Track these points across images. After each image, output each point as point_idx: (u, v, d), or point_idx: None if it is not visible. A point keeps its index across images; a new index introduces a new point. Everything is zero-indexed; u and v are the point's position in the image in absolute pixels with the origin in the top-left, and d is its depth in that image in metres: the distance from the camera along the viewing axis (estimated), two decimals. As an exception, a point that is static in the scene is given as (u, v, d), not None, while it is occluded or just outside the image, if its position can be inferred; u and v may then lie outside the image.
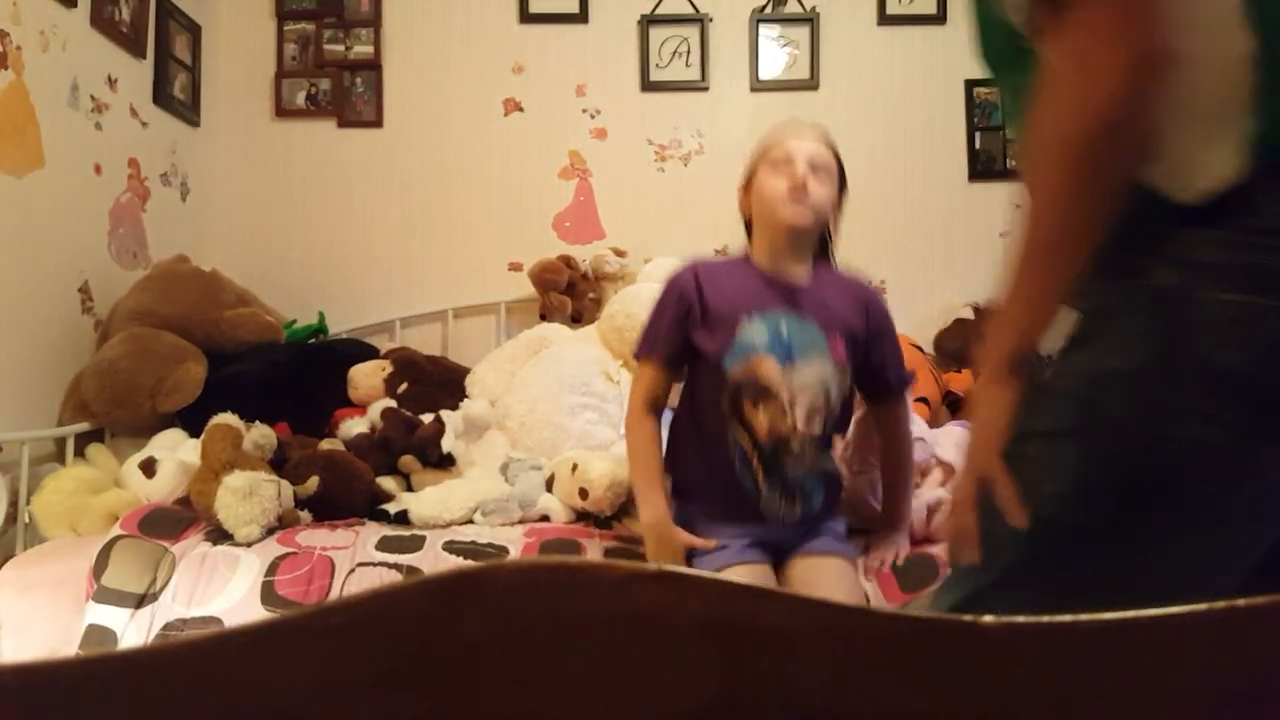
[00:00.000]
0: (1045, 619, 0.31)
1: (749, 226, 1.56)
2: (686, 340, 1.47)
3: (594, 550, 1.70)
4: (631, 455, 1.50)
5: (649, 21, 2.91)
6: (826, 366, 1.45)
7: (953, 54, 2.94)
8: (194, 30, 2.74)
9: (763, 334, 1.44)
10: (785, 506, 1.46)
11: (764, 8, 2.94)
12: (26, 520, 1.85)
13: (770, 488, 1.45)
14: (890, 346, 1.56)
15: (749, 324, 1.45)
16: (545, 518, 1.88)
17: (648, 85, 2.92)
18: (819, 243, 1.56)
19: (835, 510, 1.57)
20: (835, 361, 1.46)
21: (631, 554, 1.67)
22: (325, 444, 2.12)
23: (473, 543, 1.71)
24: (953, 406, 2.47)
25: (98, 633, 1.57)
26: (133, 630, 1.57)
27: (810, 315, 1.47)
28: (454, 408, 2.25)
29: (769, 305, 1.46)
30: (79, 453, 2.05)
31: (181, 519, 1.75)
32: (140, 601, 1.59)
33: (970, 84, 2.93)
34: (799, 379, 1.43)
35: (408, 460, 2.07)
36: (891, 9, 2.93)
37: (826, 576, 1.46)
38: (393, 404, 2.23)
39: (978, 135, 2.92)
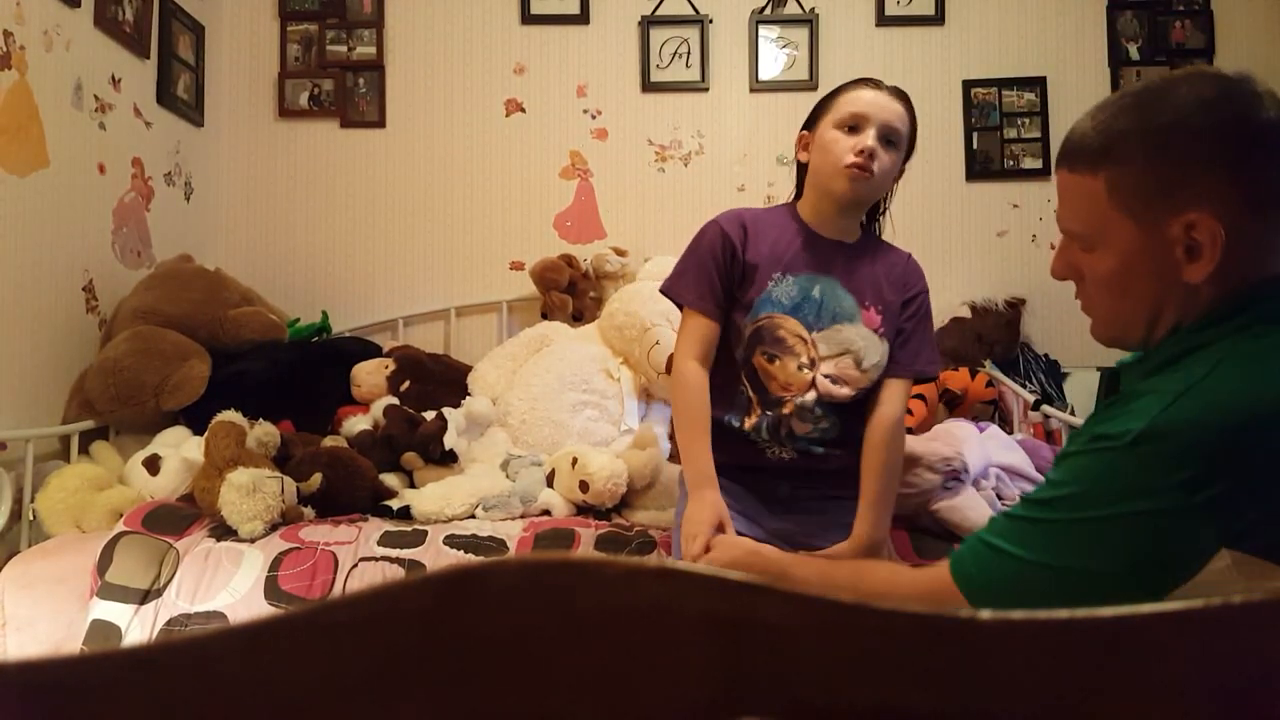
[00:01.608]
0: (1043, 615, 0.31)
1: (801, 171, 1.47)
2: (726, 288, 1.40)
3: (588, 539, 1.70)
4: (680, 408, 1.38)
5: (649, 23, 2.91)
6: (858, 333, 1.39)
7: (951, 55, 2.94)
8: (197, 30, 2.75)
9: (793, 294, 1.39)
10: (779, 450, 1.41)
11: (763, 9, 2.94)
12: (31, 517, 1.85)
13: (758, 432, 1.40)
14: (919, 330, 1.44)
15: (781, 282, 1.39)
16: (546, 512, 1.89)
17: (648, 86, 2.93)
18: (871, 207, 1.48)
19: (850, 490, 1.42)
20: (870, 329, 1.39)
21: (624, 541, 1.68)
22: (328, 441, 2.12)
23: (473, 536, 1.72)
24: (950, 404, 2.47)
25: (102, 629, 1.58)
26: (137, 626, 1.58)
27: (845, 280, 1.40)
28: (456, 405, 2.25)
29: (804, 267, 1.40)
30: (83, 450, 2.06)
31: (185, 515, 1.76)
32: (144, 597, 1.60)
33: (968, 84, 2.93)
34: (827, 343, 1.38)
35: (410, 457, 2.08)
36: (890, 10, 2.93)
37: None
38: (395, 401, 2.24)
39: (975, 135, 2.93)
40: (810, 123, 1.43)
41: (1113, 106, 0.80)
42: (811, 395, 1.39)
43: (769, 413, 1.40)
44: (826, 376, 1.38)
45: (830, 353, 1.38)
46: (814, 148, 1.40)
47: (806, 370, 1.38)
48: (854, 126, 1.35)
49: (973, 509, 1.69)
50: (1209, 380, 0.70)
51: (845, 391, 1.38)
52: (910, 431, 2.19)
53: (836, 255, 1.42)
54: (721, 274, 1.39)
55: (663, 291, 1.45)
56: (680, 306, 1.44)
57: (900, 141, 1.37)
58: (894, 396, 1.41)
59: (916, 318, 1.44)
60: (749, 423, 1.41)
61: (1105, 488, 0.71)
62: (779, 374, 1.39)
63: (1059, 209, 0.85)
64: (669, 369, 1.46)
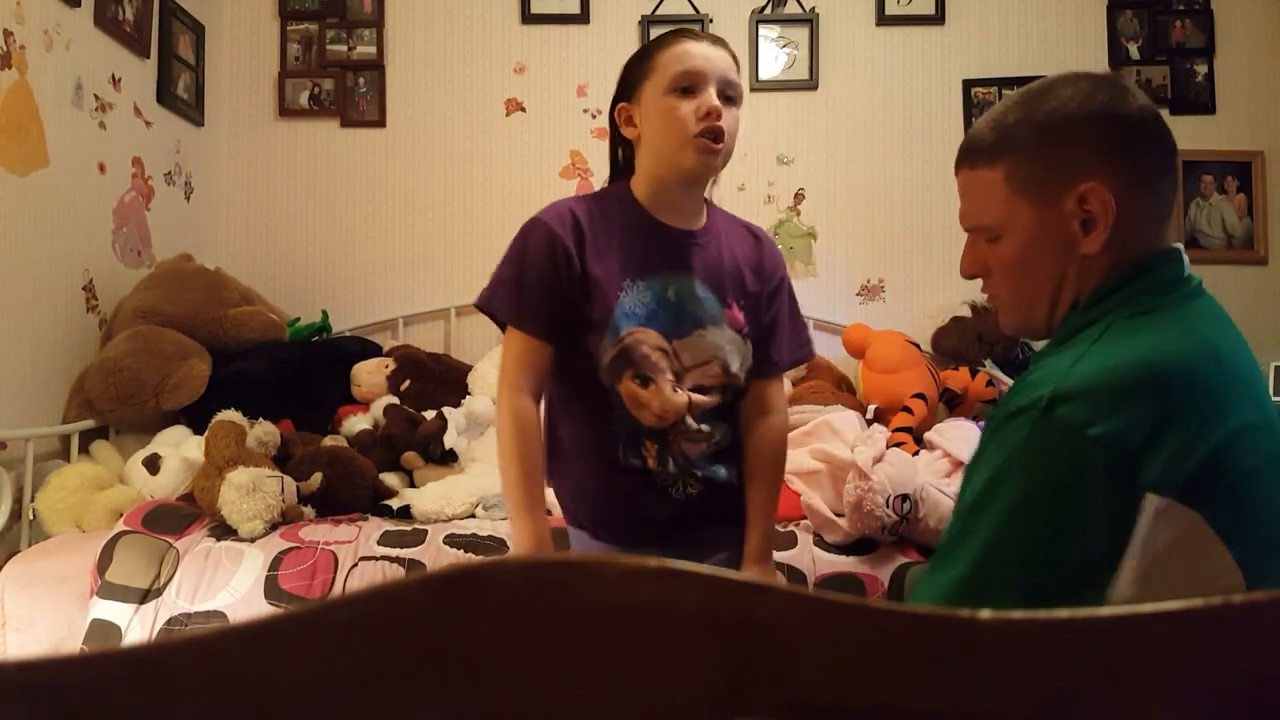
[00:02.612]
0: (1043, 614, 0.31)
1: (624, 150, 1.24)
2: (563, 304, 1.15)
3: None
4: (507, 447, 1.15)
5: (649, 22, 2.91)
6: (723, 336, 1.19)
7: (951, 54, 2.95)
8: (198, 30, 2.75)
9: (646, 302, 1.16)
10: (685, 484, 1.19)
11: (763, 8, 2.94)
12: (31, 517, 1.85)
13: (663, 469, 1.18)
14: (784, 309, 1.27)
15: (631, 289, 1.16)
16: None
17: (650, 84, 2.93)
18: None
19: (736, 508, 1.26)
20: (733, 329, 1.20)
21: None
22: (328, 441, 2.13)
23: (473, 535, 1.72)
24: (950, 404, 2.47)
25: (102, 628, 1.58)
26: (137, 625, 1.58)
27: (703, 276, 1.19)
28: (456, 405, 2.25)
29: (655, 267, 1.17)
30: (83, 450, 2.06)
31: (185, 515, 1.76)
32: (144, 597, 1.60)
33: (968, 84, 2.93)
34: (690, 352, 1.17)
35: (410, 456, 2.08)
36: (890, 9, 2.93)
37: None
38: (395, 401, 2.24)
39: (978, 134, 2.93)
40: (626, 92, 1.20)
41: (1001, 107, 0.86)
42: (694, 412, 1.19)
43: (658, 442, 1.18)
44: (694, 389, 1.18)
45: (694, 362, 1.18)
46: (643, 119, 1.17)
47: (679, 391, 1.17)
48: (688, 88, 1.13)
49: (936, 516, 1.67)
50: (1098, 345, 0.76)
51: (714, 399, 1.20)
52: (910, 431, 2.20)
53: (689, 247, 1.20)
54: (553, 286, 1.14)
55: (477, 306, 1.19)
56: (500, 325, 1.18)
57: (738, 96, 1.17)
58: (777, 398, 1.28)
59: (784, 305, 1.27)
60: (651, 460, 1.18)
61: (1032, 456, 0.73)
62: (653, 401, 1.15)
63: (962, 208, 0.90)
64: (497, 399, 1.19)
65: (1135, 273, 0.81)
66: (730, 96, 1.15)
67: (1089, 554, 0.70)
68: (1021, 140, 0.83)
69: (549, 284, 1.14)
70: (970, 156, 0.87)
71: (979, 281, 0.91)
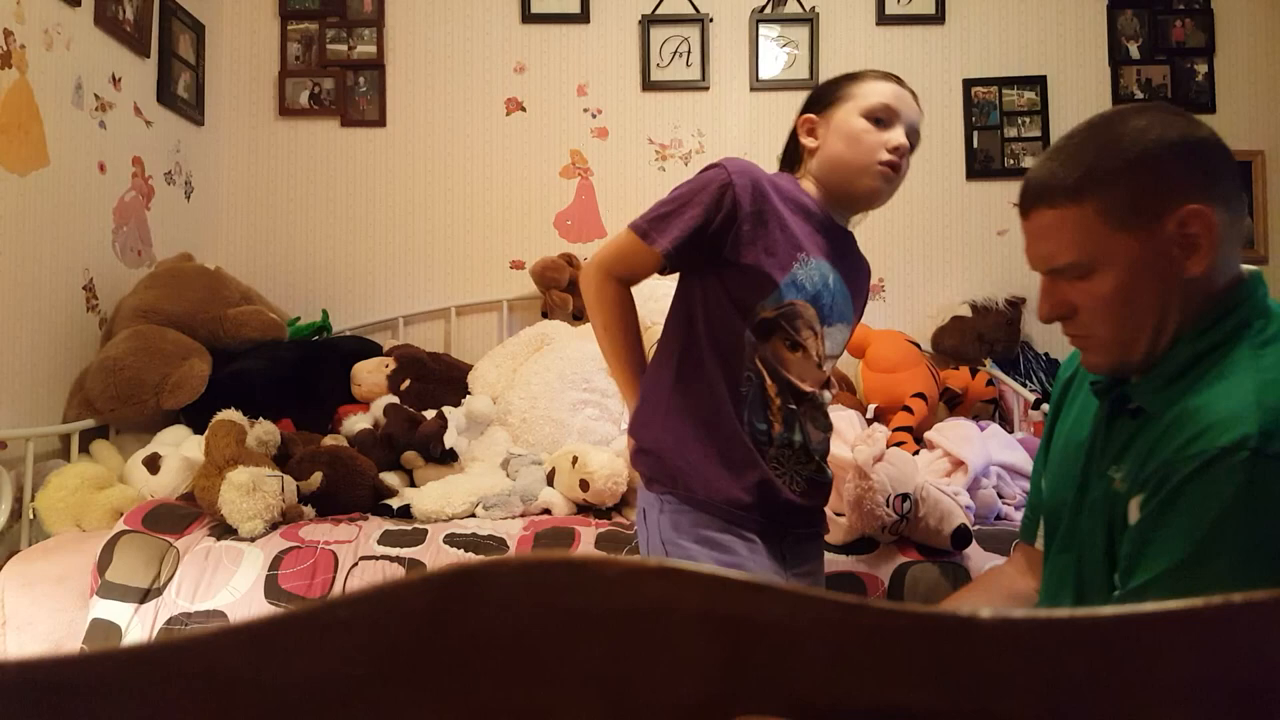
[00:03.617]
0: (1043, 614, 0.31)
1: (796, 153, 1.29)
2: (708, 250, 1.15)
3: (588, 537, 1.70)
4: (610, 319, 1.20)
5: (650, 21, 2.91)
6: (844, 337, 1.25)
7: (951, 54, 2.94)
8: (198, 29, 2.75)
9: (815, 280, 1.19)
10: (795, 476, 1.18)
11: (764, 8, 2.93)
12: (31, 516, 1.85)
13: (783, 437, 1.16)
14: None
15: (804, 265, 1.18)
16: (546, 511, 1.89)
17: (648, 85, 2.93)
18: None
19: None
20: (850, 333, 1.27)
21: (625, 540, 1.68)
22: (328, 440, 2.12)
23: (473, 534, 1.72)
24: (950, 403, 2.47)
25: (102, 627, 1.58)
26: (137, 625, 1.58)
27: (848, 278, 1.25)
28: (456, 404, 2.25)
29: (820, 251, 1.21)
30: (83, 449, 2.06)
31: (185, 514, 1.76)
32: (144, 596, 1.60)
33: (968, 83, 2.93)
34: (830, 341, 1.21)
35: (410, 456, 2.08)
36: (890, 9, 2.93)
37: None
38: (395, 400, 2.24)
39: (975, 134, 2.93)
40: (816, 106, 1.26)
41: (1069, 147, 0.86)
42: (826, 393, 1.22)
43: (790, 407, 1.17)
44: (825, 379, 1.22)
45: (829, 353, 1.21)
46: (830, 134, 1.22)
47: (818, 368, 1.20)
48: (883, 120, 1.20)
49: (937, 516, 1.66)
50: (1257, 375, 0.74)
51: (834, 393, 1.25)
52: (910, 430, 2.20)
53: (844, 245, 1.27)
54: (702, 227, 1.14)
55: (633, 227, 1.17)
56: (643, 239, 1.16)
57: (917, 145, 1.26)
58: None
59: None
60: (778, 423, 1.16)
61: (1257, 499, 0.70)
62: (797, 366, 1.17)
63: (1040, 248, 0.87)
64: (582, 279, 1.23)
65: (1240, 297, 0.81)
66: (913, 144, 1.24)
67: None
68: (1110, 172, 0.82)
69: (699, 221, 1.14)
70: (1048, 197, 0.85)
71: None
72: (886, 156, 1.19)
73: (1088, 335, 0.87)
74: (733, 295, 1.16)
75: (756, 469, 1.15)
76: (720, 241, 1.14)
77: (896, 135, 1.20)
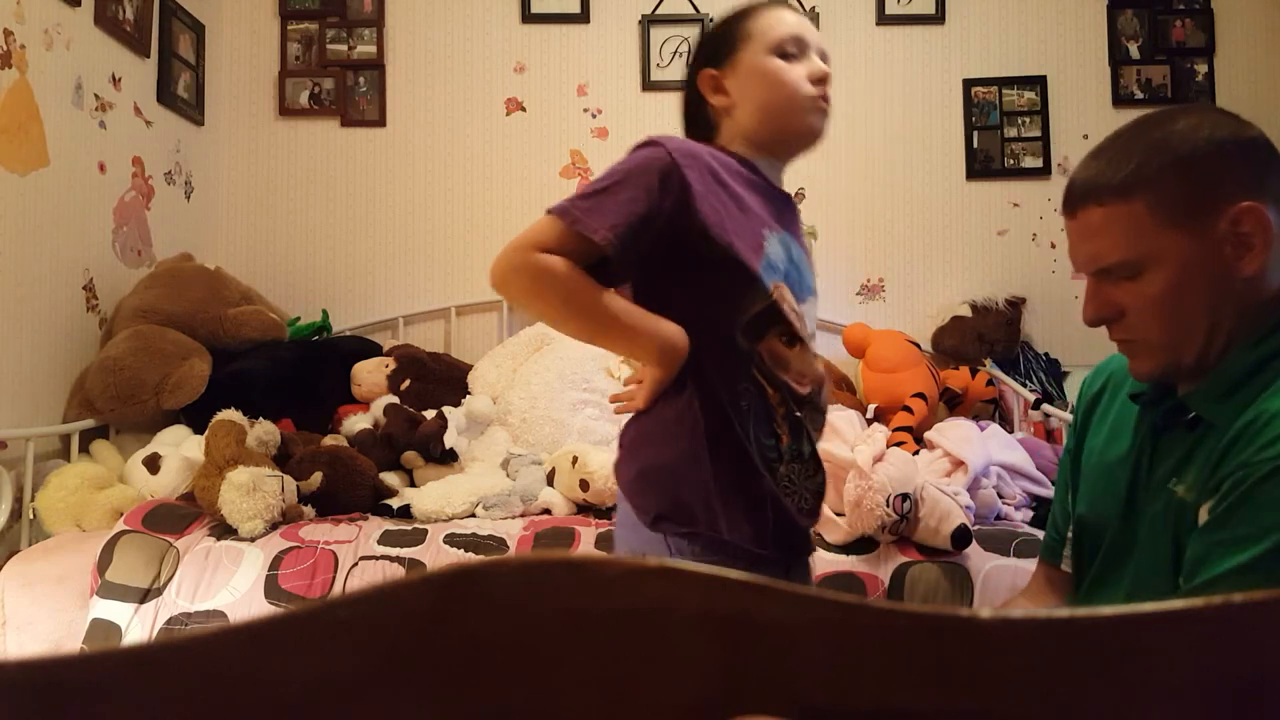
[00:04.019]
0: (1043, 614, 0.31)
1: (703, 119, 1.11)
2: (663, 249, 0.95)
3: (588, 537, 1.70)
4: (570, 292, 0.93)
5: (650, 21, 2.91)
6: (815, 315, 1.10)
7: (951, 54, 2.94)
8: (198, 29, 2.75)
9: (783, 257, 1.04)
10: (802, 479, 1.04)
11: (766, 6, 2.93)
12: (31, 516, 1.85)
13: (792, 449, 1.03)
14: None
15: (771, 241, 1.03)
16: (547, 511, 1.89)
17: (648, 85, 2.93)
18: None
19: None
20: (816, 314, 1.12)
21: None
22: (328, 440, 2.13)
23: (473, 534, 1.72)
24: (950, 403, 2.47)
25: (102, 627, 1.58)
26: (137, 625, 1.58)
27: (800, 243, 1.10)
28: (456, 404, 2.25)
29: (779, 222, 1.06)
30: (83, 449, 2.06)
31: (185, 514, 1.76)
32: (144, 596, 1.60)
33: (968, 83, 2.93)
34: (809, 324, 1.07)
35: (410, 456, 2.08)
36: (890, 9, 2.93)
37: None
38: (395, 400, 2.24)
39: (975, 134, 2.93)
40: (717, 57, 1.08)
41: (1116, 145, 0.83)
42: (824, 392, 1.08)
43: (796, 415, 1.03)
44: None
45: (808, 333, 1.07)
46: (742, 83, 1.06)
47: (814, 360, 1.07)
48: (793, 53, 1.06)
49: (937, 517, 1.66)
50: None
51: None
52: (910, 430, 2.20)
53: (789, 209, 1.11)
54: (655, 231, 0.94)
55: (556, 211, 0.95)
56: (571, 226, 0.93)
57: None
58: None
59: None
60: (785, 436, 1.02)
61: None
62: (796, 361, 1.02)
63: (1087, 248, 0.85)
64: (507, 270, 0.94)
65: None
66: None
67: None
68: (1161, 169, 0.80)
69: (644, 210, 0.94)
70: (1097, 195, 0.83)
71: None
72: (814, 90, 1.06)
73: (1136, 339, 0.84)
74: (708, 299, 0.99)
75: (772, 497, 1.00)
76: (677, 236, 0.95)
77: (816, 63, 1.07)
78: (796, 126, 1.08)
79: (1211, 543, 0.75)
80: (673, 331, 0.96)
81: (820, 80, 1.06)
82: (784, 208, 1.10)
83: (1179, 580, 0.79)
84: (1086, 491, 0.96)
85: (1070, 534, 0.98)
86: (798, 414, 1.03)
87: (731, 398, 0.98)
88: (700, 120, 1.11)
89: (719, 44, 1.09)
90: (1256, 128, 0.82)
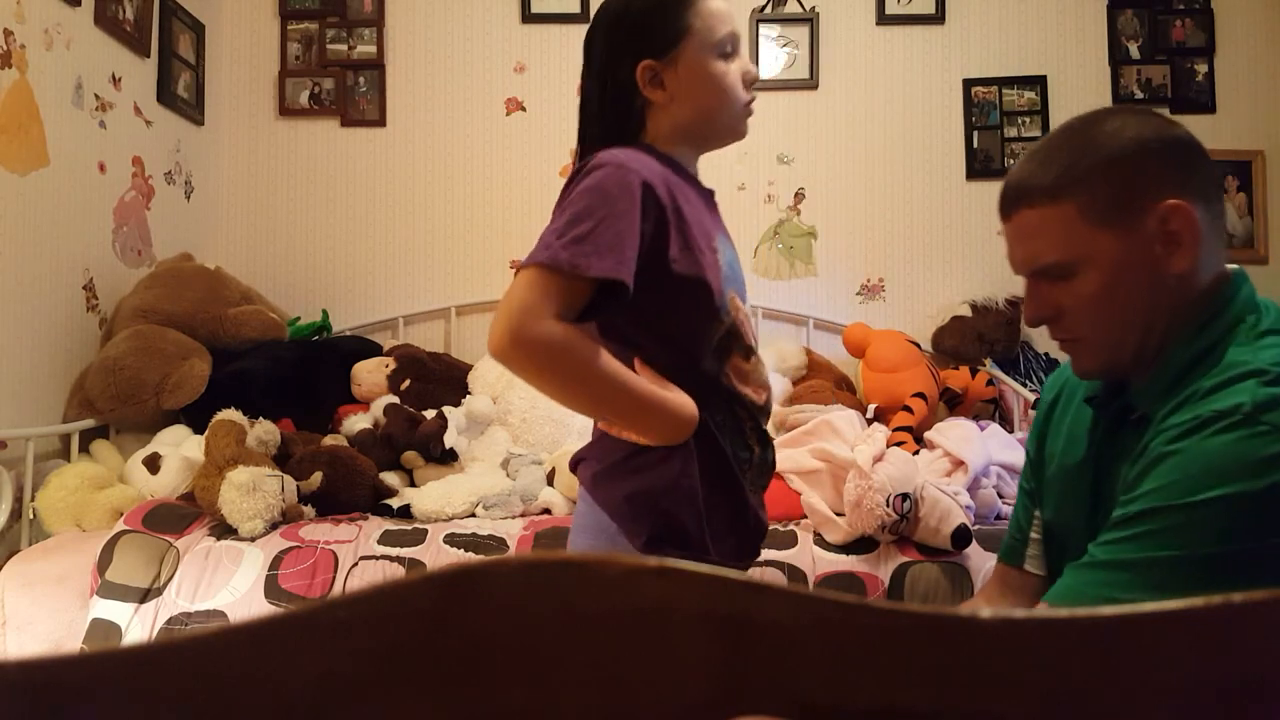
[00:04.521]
0: (1043, 614, 0.31)
1: (632, 113, 1.05)
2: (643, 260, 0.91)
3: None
4: (583, 374, 0.88)
5: (651, 19, 2.91)
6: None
7: (951, 54, 2.94)
8: (198, 29, 2.75)
9: (730, 261, 1.03)
10: (760, 480, 1.05)
11: (764, 7, 2.93)
12: (31, 516, 1.85)
13: (760, 459, 1.04)
14: None
15: (722, 246, 1.02)
16: (547, 511, 1.89)
17: (650, 83, 2.93)
18: None
19: None
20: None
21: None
22: (329, 440, 2.13)
23: (473, 535, 1.72)
24: (951, 403, 2.47)
25: (102, 627, 1.58)
26: (137, 625, 1.58)
27: (729, 240, 1.07)
28: (456, 404, 2.25)
29: (718, 228, 1.04)
30: (83, 449, 2.06)
31: (185, 514, 1.76)
32: (144, 596, 1.60)
33: (968, 83, 2.93)
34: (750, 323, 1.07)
35: (410, 456, 2.08)
36: (890, 9, 2.93)
37: None
38: (395, 400, 2.24)
39: (975, 134, 2.93)
40: (656, 47, 1.03)
41: (1047, 148, 0.85)
42: (770, 395, 1.07)
43: (762, 427, 1.04)
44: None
45: (752, 335, 1.07)
46: (684, 82, 1.02)
47: (762, 365, 1.06)
48: (729, 53, 1.04)
49: (937, 516, 1.66)
50: (1266, 360, 0.74)
51: None
52: (910, 430, 2.20)
53: (714, 204, 1.08)
54: (645, 239, 0.92)
55: (547, 265, 0.88)
56: (568, 273, 0.87)
57: None
58: None
59: None
60: (756, 451, 1.02)
61: (1228, 464, 0.71)
62: (754, 376, 1.02)
63: (1022, 250, 0.87)
64: (509, 346, 0.86)
65: (1227, 298, 0.81)
66: None
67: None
68: (1088, 170, 0.81)
69: (637, 236, 0.90)
70: (1028, 197, 0.85)
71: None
72: (749, 96, 1.06)
73: (1076, 338, 0.86)
74: (673, 326, 0.96)
75: (750, 507, 1.02)
76: (648, 260, 0.91)
77: (748, 65, 1.06)
78: (731, 129, 1.07)
79: (1130, 491, 0.77)
80: (683, 405, 0.93)
81: (752, 82, 1.06)
82: (710, 203, 1.08)
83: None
84: (1051, 498, 0.97)
85: (1035, 536, 0.99)
86: (764, 426, 1.04)
87: (710, 415, 0.97)
88: (627, 108, 1.06)
89: (658, 33, 1.03)
90: (1182, 127, 0.83)
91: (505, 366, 0.88)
